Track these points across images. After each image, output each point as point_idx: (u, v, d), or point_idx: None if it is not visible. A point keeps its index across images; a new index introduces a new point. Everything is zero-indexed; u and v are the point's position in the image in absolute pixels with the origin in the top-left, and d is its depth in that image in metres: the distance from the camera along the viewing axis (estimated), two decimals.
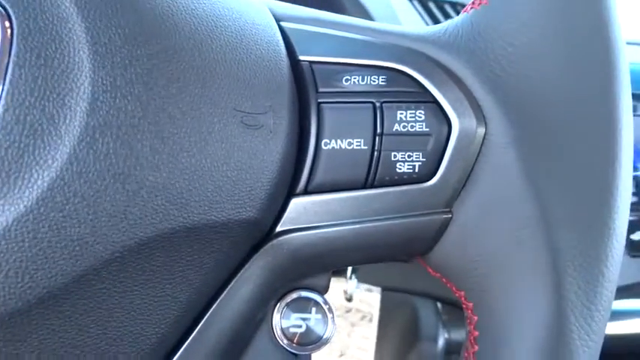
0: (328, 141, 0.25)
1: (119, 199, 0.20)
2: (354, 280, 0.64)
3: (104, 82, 0.20)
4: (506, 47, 0.25)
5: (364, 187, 0.25)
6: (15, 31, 0.19)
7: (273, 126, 0.24)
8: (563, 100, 0.24)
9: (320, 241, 0.25)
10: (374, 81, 0.26)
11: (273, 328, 0.27)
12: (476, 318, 0.25)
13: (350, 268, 0.64)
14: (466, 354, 0.25)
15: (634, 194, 0.61)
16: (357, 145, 0.25)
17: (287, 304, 0.27)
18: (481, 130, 0.25)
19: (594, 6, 0.24)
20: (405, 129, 0.25)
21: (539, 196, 0.24)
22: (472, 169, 0.25)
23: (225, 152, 0.22)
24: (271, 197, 0.24)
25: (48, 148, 0.19)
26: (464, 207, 0.25)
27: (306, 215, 0.25)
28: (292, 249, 0.25)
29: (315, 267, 0.27)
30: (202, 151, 0.22)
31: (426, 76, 0.26)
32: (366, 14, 0.78)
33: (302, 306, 0.27)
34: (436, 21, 0.82)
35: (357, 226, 0.25)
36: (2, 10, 0.19)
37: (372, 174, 0.25)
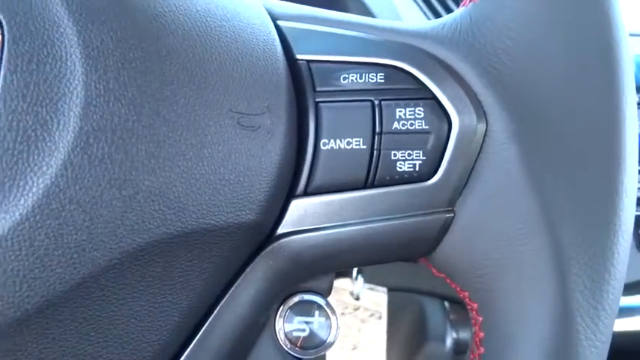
0: (327, 141, 0.25)
1: (115, 204, 0.20)
2: (361, 280, 0.63)
3: (97, 86, 0.20)
4: (505, 41, 0.25)
5: (364, 187, 0.25)
6: (6, 37, 0.19)
7: (270, 127, 0.23)
8: (565, 94, 0.24)
9: (321, 243, 0.25)
10: (372, 79, 0.26)
11: (276, 333, 0.27)
12: (481, 319, 0.24)
13: (355, 269, 0.63)
14: (472, 356, 0.25)
15: None
16: (356, 145, 0.25)
17: (290, 308, 0.27)
18: (482, 126, 0.25)
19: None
20: (405, 127, 0.25)
21: (542, 193, 0.23)
22: (473, 166, 0.25)
23: (222, 155, 0.22)
24: (271, 199, 0.24)
25: (42, 154, 0.19)
26: (466, 205, 0.25)
27: (307, 217, 0.25)
28: (293, 252, 0.25)
29: (317, 269, 0.27)
30: (199, 154, 0.22)
31: (425, 73, 0.25)
32: (365, 6, 0.78)
33: (305, 309, 0.27)
34: (436, 13, 0.81)
35: (359, 227, 0.25)
36: None
37: (372, 174, 0.25)
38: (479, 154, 0.25)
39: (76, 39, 0.20)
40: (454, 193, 0.25)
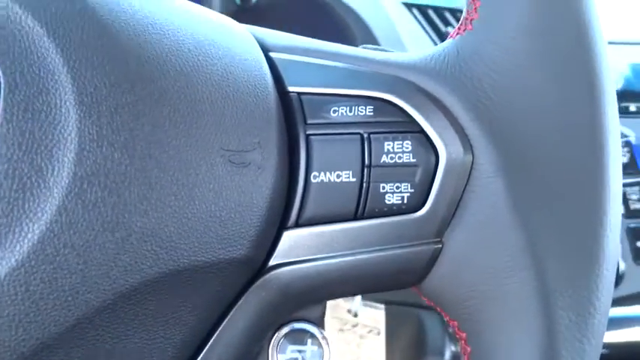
0: (317, 174, 0.25)
1: (109, 247, 0.20)
2: (358, 297, 0.64)
3: (90, 131, 0.20)
4: (491, 75, 0.25)
5: (354, 218, 0.25)
6: (2, 86, 0.20)
7: (261, 162, 0.24)
8: (550, 129, 0.24)
9: (312, 274, 0.25)
10: (361, 111, 0.26)
11: None
12: (469, 349, 0.25)
13: None
14: None
15: (638, 200, 0.61)
16: (345, 178, 0.25)
17: (282, 337, 0.27)
18: (468, 160, 0.25)
19: (578, 31, 0.24)
20: (393, 160, 0.25)
21: (527, 227, 0.24)
22: (461, 197, 0.25)
23: (213, 193, 0.23)
24: (262, 233, 0.24)
25: (37, 200, 0.19)
26: (454, 236, 0.25)
27: (298, 248, 0.25)
28: (285, 283, 0.25)
29: (309, 300, 0.27)
30: (190, 194, 0.22)
31: (413, 106, 0.26)
32: (364, 24, 0.78)
33: (297, 338, 0.28)
34: (435, 28, 0.82)
35: (349, 258, 0.25)
36: None
37: (362, 206, 0.25)
38: (466, 186, 0.25)
39: (70, 86, 0.20)
40: (442, 224, 0.25)
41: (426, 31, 0.79)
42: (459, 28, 0.27)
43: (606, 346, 0.56)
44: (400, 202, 0.25)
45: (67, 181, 0.20)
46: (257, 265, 0.25)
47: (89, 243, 0.20)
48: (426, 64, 0.27)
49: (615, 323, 0.61)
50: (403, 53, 0.29)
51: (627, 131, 0.62)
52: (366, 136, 0.26)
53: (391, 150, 0.25)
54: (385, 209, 0.25)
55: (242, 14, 0.80)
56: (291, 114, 0.26)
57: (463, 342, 0.25)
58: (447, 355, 0.61)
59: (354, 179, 0.25)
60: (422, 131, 0.26)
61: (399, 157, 0.25)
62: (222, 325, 0.25)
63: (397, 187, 0.25)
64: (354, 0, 0.77)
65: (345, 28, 0.76)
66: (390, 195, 0.25)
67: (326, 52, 0.28)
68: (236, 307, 0.25)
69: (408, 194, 0.25)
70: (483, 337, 0.24)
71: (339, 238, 0.25)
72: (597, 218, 0.23)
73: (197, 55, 0.24)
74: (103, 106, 0.21)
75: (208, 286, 0.23)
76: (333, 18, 0.77)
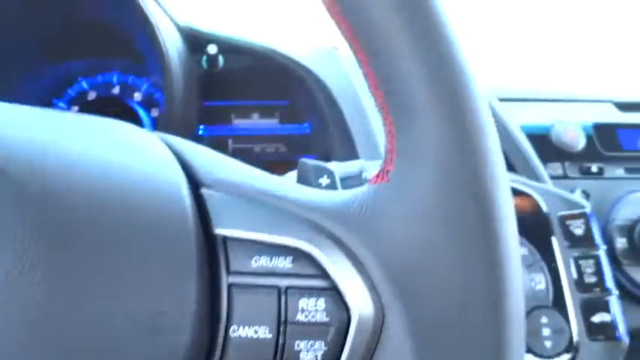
0: (236, 327, 0.26)
1: None
2: None
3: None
4: (404, 231, 0.26)
5: None
6: None
7: (179, 323, 0.24)
8: (455, 291, 0.25)
9: None
10: (281, 262, 0.27)
11: None
12: None
13: None
14: None
15: (593, 273, 0.61)
16: (262, 334, 0.26)
17: None
18: (379, 320, 0.26)
19: (481, 199, 0.25)
20: (307, 318, 0.26)
21: None
22: (372, 355, 0.26)
23: None
24: None
25: None
26: None
27: None
28: None
29: None
30: None
31: (330, 260, 0.26)
32: (323, 84, 0.78)
33: None
34: None
35: None
36: None
37: None
38: (377, 344, 0.26)
39: None
40: None
41: None
42: (377, 176, 0.28)
43: None
44: (314, 359, 0.26)
45: None
46: None
47: None
48: (348, 208, 0.27)
49: None
50: (330, 192, 0.30)
51: (584, 202, 0.63)
52: (283, 289, 0.26)
53: (305, 308, 0.26)
54: None
55: (209, 78, 0.80)
56: (216, 260, 0.26)
57: None
58: None
59: (270, 335, 0.26)
60: (336, 288, 0.26)
61: (313, 316, 0.26)
62: None
63: (311, 345, 0.26)
64: (315, 63, 0.78)
65: (308, 90, 0.77)
66: (305, 353, 0.26)
67: (257, 190, 0.28)
68: None
69: (322, 352, 0.26)
70: None
71: None
72: None
73: (119, 222, 0.24)
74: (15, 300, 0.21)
75: None
76: (295, 80, 0.78)
